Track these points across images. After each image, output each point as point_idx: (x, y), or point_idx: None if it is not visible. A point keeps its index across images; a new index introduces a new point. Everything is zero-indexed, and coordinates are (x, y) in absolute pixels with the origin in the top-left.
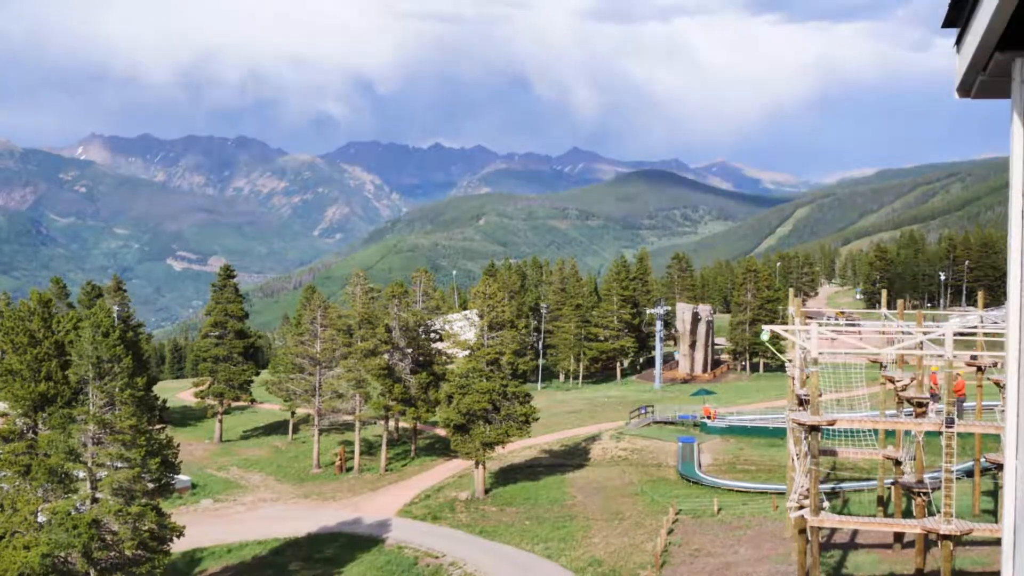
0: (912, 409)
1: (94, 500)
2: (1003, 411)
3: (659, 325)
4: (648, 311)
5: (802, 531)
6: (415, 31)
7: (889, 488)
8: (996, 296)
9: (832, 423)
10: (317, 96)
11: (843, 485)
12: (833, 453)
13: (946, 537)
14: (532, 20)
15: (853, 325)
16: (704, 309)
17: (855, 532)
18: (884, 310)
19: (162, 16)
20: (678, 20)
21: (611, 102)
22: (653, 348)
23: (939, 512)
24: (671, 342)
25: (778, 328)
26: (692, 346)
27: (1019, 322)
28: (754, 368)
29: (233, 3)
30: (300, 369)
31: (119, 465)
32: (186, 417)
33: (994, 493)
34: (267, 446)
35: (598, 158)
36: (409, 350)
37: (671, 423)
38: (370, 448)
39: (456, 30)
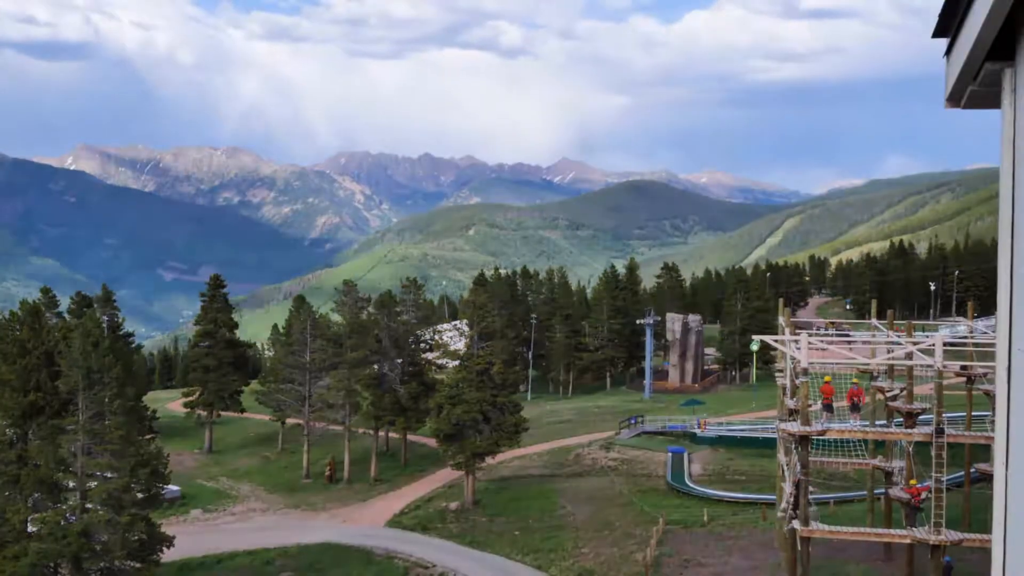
0: (902, 419)
1: (84, 510)
2: (993, 421)
3: (649, 335)
4: (638, 321)
5: (792, 541)
6: None
7: (879, 498)
8: (986, 306)
9: (822, 433)
10: (306, 106)
11: (833, 495)
12: (823, 463)
13: (936, 547)
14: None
15: (843, 335)
16: (694, 319)
17: (846, 542)
18: (874, 320)
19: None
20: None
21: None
22: (643, 358)
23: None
24: (661, 352)
25: (768, 338)
26: (682, 356)
27: (1008, 332)
28: (744, 378)
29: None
30: (290, 379)
31: (109, 475)
32: (176, 427)
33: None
34: (257, 456)
35: (589, 168)
36: (399, 360)
37: (661, 433)
38: (360, 458)
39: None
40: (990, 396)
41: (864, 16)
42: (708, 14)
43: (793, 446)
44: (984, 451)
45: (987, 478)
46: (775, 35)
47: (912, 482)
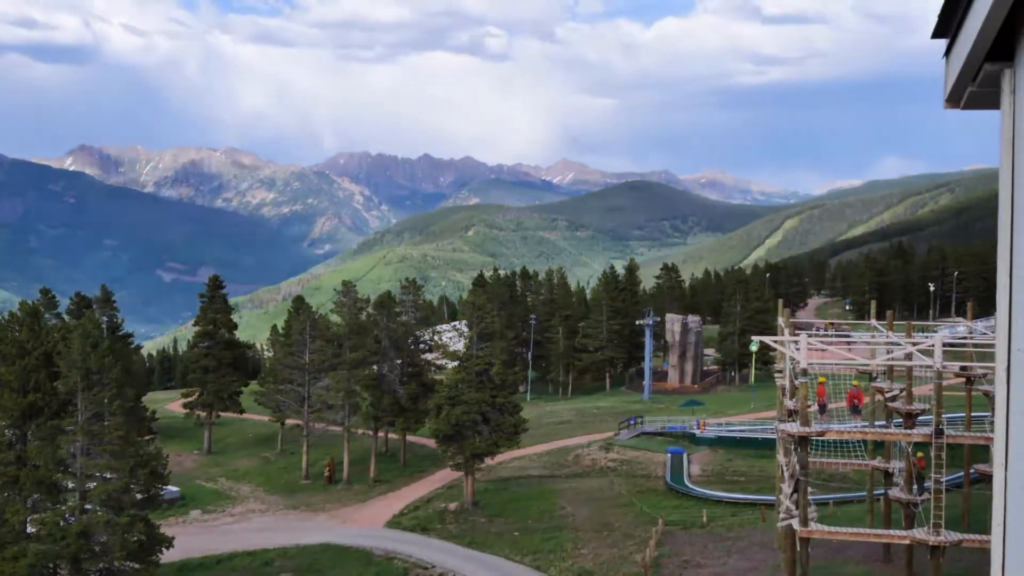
0: (901, 420)
1: (83, 511)
2: (993, 422)
3: (648, 336)
4: (637, 322)
5: (791, 542)
6: None
7: (879, 499)
8: (986, 307)
9: (821, 434)
10: (303, 108)
11: (833, 496)
12: (823, 464)
13: (935, 548)
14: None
15: (843, 336)
16: (693, 320)
17: (845, 543)
18: (874, 321)
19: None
20: None
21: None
22: (642, 359)
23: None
24: (660, 353)
25: (767, 339)
26: (681, 357)
27: (1008, 332)
28: (743, 379)
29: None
30: (289, 380)
31: (108, 476)
32: (175, 428)
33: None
34: (256, 457)
35: (588, 168)
36: (398, 361)
37: (660, 434)
38: (359, 459)
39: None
40: (989, 397)
41: (831, 22)
42: (685, 21)
43: (792, 447)
44: (983, 452)
45: (986, 479)
46: (756, 40)
47: (919, 454)
